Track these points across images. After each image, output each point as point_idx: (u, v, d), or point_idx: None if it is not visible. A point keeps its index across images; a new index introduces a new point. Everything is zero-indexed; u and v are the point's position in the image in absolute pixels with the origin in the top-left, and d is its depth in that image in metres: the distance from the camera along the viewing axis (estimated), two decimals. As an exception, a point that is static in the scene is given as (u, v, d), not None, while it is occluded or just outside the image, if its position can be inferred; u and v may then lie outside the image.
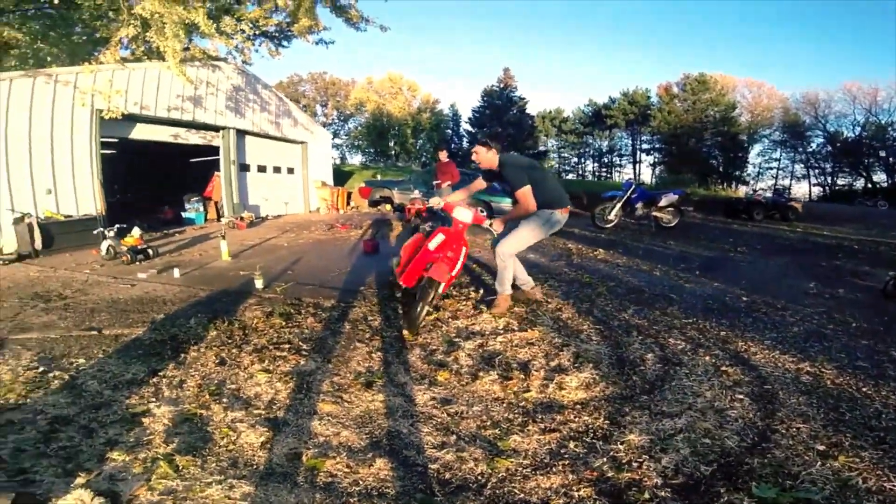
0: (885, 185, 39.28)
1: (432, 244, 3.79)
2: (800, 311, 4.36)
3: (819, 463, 1.99)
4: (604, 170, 54.05)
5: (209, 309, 4.36)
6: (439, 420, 2.47)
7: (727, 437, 2.21)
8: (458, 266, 3.80)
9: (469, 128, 47.97)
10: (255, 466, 2.05)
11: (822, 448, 2.11)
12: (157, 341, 3.53)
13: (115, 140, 10.76)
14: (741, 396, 2.61)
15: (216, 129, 12.38)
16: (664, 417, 2.41)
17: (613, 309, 4.33)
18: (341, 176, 20.30)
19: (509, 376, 2.96)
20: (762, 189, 32.84)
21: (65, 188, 8.63)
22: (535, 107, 57.23)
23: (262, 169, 14.51)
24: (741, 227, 11.98)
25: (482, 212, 4.15)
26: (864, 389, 2.71)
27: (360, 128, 47.35)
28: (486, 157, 3.92)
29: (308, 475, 1.99)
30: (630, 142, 51.19)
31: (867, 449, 2.10)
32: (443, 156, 9.71)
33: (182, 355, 3.25)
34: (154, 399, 2.63)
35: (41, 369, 2.96)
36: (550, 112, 51.75)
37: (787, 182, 45.32)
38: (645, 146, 49.74)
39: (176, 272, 5.95)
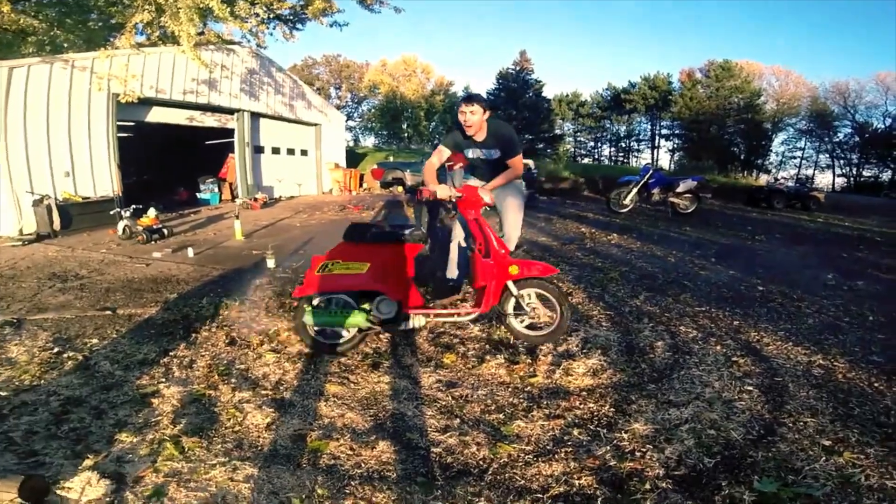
0: (913, 177, 37.87)
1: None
2: (816, 302, 4.25)
3: (823, 458, 1.95)
4: (621, 154, 52.99)
5: (222, 288, 4.42)
6: (444, 403, 2.48)
7: (733, 429, 2.17)
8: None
9: (483, 111, 47.10)
10: (259, 448, 2.08)
11: (827, 443, 2.07)
12: (170, 321, 3.60)
13: (132, 123, 10.91)
14: (750, 388, 2.57)
15: (231, 111, 12.45)
16: (671, 407, 2.38)
17: (625, 295, 4.28)
18: (354, 158, 20.26)
19: (516, 360, 2.96)
20: (784, 178, 31.95)
21: (82, 170, 8.79)
22: (552, 90, 56.19)
23: (276, 151, 14.59)
24: (761, 216, 11.71)
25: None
26: (875, 384, 2.65)
27: (373, 110, 47.02)
28: (479, 120, 3.37)
29: (311, 457, 2.02)
30: (649, 127, 50.05)
31: (873, 445, 2.05)
32: None
33: (193, 335, 3.31)
34: (164, 379, 2.69)
35: (56, 350, 3.04)
36: (567, 95, 50.71)
37: (810, 172, 43.88)
38: (664, 132, 48.61)
39: (190, 251, 6.05)
